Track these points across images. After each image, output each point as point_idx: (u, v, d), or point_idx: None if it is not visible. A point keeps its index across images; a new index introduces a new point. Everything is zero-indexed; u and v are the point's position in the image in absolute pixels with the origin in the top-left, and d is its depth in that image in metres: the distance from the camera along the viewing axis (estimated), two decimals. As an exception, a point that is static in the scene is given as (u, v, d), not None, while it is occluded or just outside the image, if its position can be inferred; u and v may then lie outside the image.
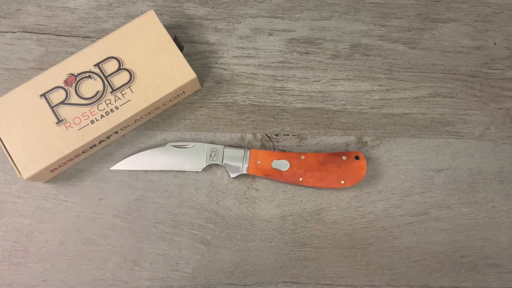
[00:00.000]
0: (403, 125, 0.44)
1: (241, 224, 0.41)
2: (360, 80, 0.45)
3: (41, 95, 0.39)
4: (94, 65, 0.40)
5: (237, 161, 0.41)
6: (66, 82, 0.39)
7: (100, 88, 0.39)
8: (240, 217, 0.41)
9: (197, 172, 0.42)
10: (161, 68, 0.40)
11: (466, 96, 0.45)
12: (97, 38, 0.44)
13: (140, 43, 0.40)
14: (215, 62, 0.45)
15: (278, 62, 0.45)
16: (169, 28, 0.44)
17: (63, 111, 0.38)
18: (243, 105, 0.44)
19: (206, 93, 0.44)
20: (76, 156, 0.40)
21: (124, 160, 0.41)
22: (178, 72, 0.40)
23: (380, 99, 0.44)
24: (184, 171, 0.42)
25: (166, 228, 0.41)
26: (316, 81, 0.45)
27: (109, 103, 0.39)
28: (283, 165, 0.40)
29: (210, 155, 0.41)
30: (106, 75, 0.39)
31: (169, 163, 0.41)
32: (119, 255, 0.40)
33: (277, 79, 0.44)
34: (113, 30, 0.41)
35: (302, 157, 0.41)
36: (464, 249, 0.41)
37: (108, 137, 0.40)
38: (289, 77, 0.45)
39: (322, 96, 0.44)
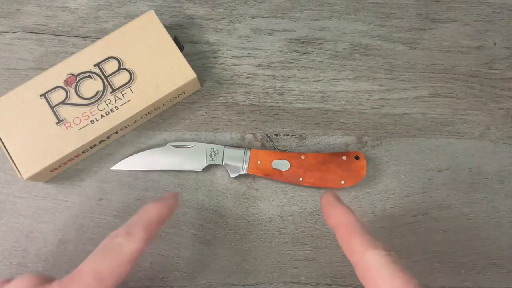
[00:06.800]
0: (403, 125, 0.44)
1: (241, 224, 0.41)
2: (360, 80, 0.45)
3: (41, 95, 0.39)
4: (94, 65, 0.40)
5: (237, 161, 0.41)
6: (66, 82, 0.39)
7: (100, 88, 0.39)
8: (240, 217, 0.41)
9: (197, 172, 0.42)
10: (161, 68, 0.40)
11: (466, 96, 0.45)
12: (97, 38, 0.44)
13: (140, 43, 0.40)
14: (215, 62, 0.45)
15: (278, 62, 0.45)
16: (169, 28, 0.44)
17: (63, 111, 0.38)
18: (243, 105, 0.44)
19: (206, 93, 0.44)
20: (76, 156, 0.40)
21: (124, 160, 0.41)
22: (178, 72, 0.40)
23: (380, 99, 0.44)
24: (184, 171, 0.42)
25: (166, 228, 0.41)
26: (316, 81, 0.45)
27: (109, 103, 0.39)
28: (283, 165, 0.40)
29: (210, 155, 0.41)
30: (106, 75, 0.39)
31: (169, 163, 0.41)
32: (119, 255, 0.40)
33: (277, 79, 0.45)
34: (113, 30, 0.41)
35: (302, 157, 0.41)
36: (464, 249, 0.41)
37: (108, 137, 0.40)
38: (289, 77, 0.45)
39: (322, 96, 0.44)
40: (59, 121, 0.38)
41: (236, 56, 0.45)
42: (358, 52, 0.45)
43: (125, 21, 0.45)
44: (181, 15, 0.46)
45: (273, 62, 0.45)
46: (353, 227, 0.29)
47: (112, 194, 0.41)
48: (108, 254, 0.29)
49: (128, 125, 0.41)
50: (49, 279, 0.30)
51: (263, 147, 0.43)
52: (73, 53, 0.41)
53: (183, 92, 0.42)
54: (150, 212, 0.31)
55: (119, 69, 0.40)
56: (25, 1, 0.45)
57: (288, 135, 0.43)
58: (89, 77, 0.39)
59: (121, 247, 0.29)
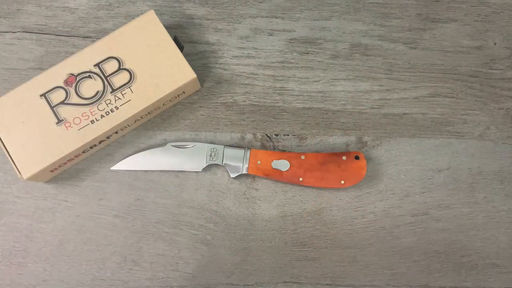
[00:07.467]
0: (403, 125, 0.44)
1: (241, 224, 0.41)
2: (360, 80, 0.45)
3: (41, 95, 0.39)
4: (94, 65, 0.40)
5: (237, 161, 0.41)
6: (66, 82, 0.39)
7: (100, 88, 0.39)
8: (240, 217, 0.41)
9: (197, 172, 0.42)
10: (161, 68, 0.40)
11: (466, 96, 0.45)
12: (97, 38, 0.44)
13: (140, 43, 0.40)
14: (215, 62, 0.45)
15: (278, 62, 0.45)
16: (169, 28, 0.44)
17: (63, 111, 0.38)
18: (243, 105, 0.44)
19: (206, 93, 0.44)
20: (76, 156, 0.40)
21: (124, 160, 0.41)
22: (178, 72, 0.40)
23: (380, 99, 0.44)
24: (184, 171, 0.42)
25: (166, 228, 0.41)
26: (316, 81, 0.45)
27: (109, 103, 0.39)
28: (283, 165, 0.40)
29: (210, 155, 0.41)
30: (106, 75, 0.39)
31: (169, 163, 0.41)
32: (119, 255, 0.40)
33: (277, 79, 0.45)
34: (113, 30, 0.41)
35: (302, 157, 0.41)
36: (464, 249, 0.41)
37: (108, 137, 0.40)
38: (289, 77, 0.45)
39: (322, 96, 0.44)
40: (59, 121, 0.38)
41: (236, 56, 0.45)
42: (358, 52, 0.45)
43: (125, 21, 0.45)
44: (181, 15, 0.46)
45: (273, 62, 0.45)
46: None
47: (112, 194, 0.41)
48: None
49: (128, 125, 0.41)
50: None
51: (263, 147, 0.43)
52: (73, 53, 0.42)
53: (183, 92, 0.42)
54: None
55: (119, 69, 0.40)
56: (25, 1, 0.45)
57: (288, 135, 0.43)
58: (89, 77, 0.39)
59: None
